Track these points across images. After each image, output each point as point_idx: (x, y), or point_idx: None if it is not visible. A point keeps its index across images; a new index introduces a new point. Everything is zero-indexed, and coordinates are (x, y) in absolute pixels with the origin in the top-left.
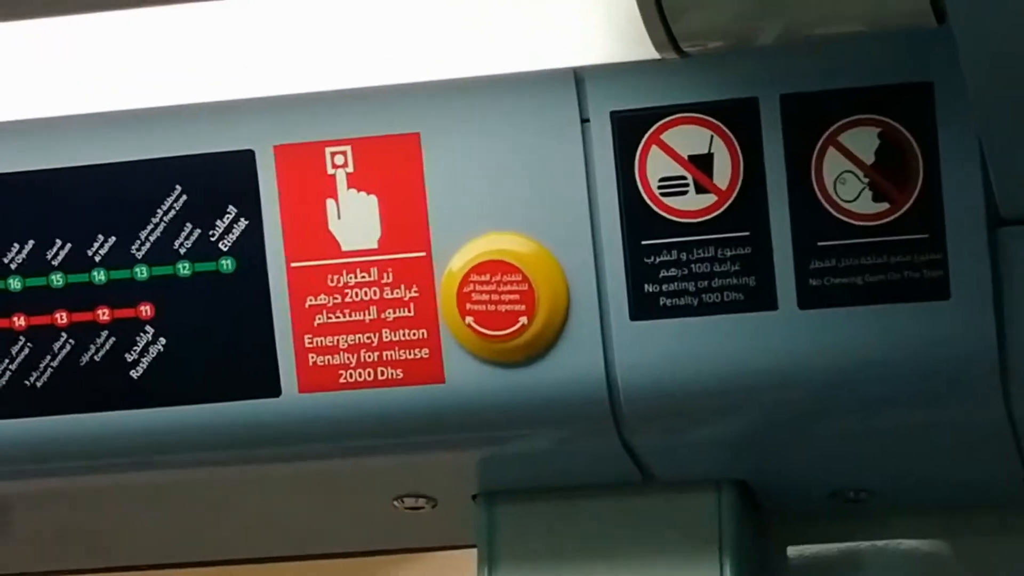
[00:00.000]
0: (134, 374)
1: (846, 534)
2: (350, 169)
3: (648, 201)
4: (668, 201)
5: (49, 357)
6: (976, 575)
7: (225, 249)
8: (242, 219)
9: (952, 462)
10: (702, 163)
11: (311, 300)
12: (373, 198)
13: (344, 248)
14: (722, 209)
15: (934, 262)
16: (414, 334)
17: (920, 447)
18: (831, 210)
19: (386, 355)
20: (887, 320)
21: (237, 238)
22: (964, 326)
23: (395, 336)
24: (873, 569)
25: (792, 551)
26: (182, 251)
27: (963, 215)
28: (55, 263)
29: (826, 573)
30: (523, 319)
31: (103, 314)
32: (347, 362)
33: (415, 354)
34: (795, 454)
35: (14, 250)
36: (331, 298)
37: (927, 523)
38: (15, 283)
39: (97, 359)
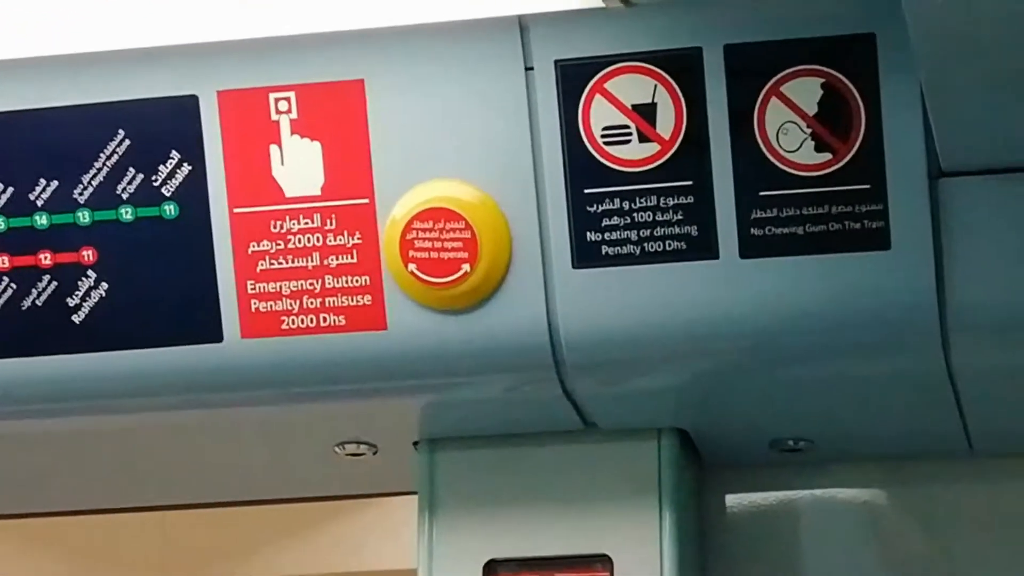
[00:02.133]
0: (76, 319)
1: (786, 483)
2: (294, 115)
3: (591, 150)
4: (611, 150)
5: None
6: (915, 524)
7: (168, 194)
8: (185, 164)
9: (891, 412)
10: (646, 112)
11: (254, 246)
12: (317, 144)
13: (287, 194)
14: (665, 158)
15: (875, 212)
16: (357, 281)
17: (860, 397)
18: (773, 160)
19: (329, 301)
20: (828, 270)
21: (180, 183)
22: (904, 276)
23: (338, 283)
24: (812, 518)
25: (731, 499)
26: (125, 196)
27: (904, 166)
28: None
29: (765, 521)
30: (466, 266)
31: (45, 258)
32: (290, 308)
33: (358, 301)
34: (735, 403)
35: None
36: (274, 244)
37: (866, 472)
38: None
39: (39, 303)
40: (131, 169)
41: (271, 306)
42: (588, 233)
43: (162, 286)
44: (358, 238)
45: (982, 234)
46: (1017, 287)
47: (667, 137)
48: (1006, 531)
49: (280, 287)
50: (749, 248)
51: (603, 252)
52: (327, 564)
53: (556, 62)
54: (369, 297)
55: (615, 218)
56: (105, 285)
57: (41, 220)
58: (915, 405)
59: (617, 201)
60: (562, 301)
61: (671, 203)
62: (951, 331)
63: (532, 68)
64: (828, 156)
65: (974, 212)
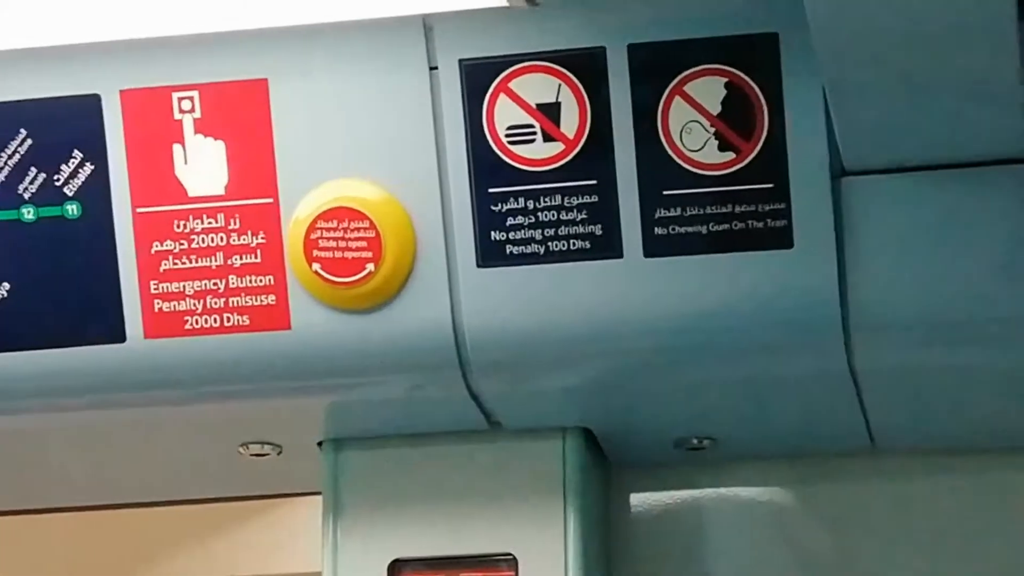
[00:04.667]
0: None
1: (690, 481)
2: (197, 114)
3: (496, 149)
4: (516, 149)
5: None
6: (819, 519)
7: (70, 194)
8: (88, 164)
9: (794, 409)
10: (550, 111)
11: (157, 246)
12: (220, 143)
13: (191, 194)
14: (569, 158)
15: (778, 211)
16: (261, 280)
17: (763, 396)
18: (677, 159)
19: (232, 301)
20: (731, 269)
21: (83, 183)
22: (807, 275)
23: (242, 282)
24: (717, 515)
25: (636, 498)
26: (27, 195)
27: (807, 165)
28: None
29: (670, 520)
30: (370, 266)
31: None
32: (193, 308)
33: (262, 300)
34: (639, 402)
35: None
36: (177, 244)
37: (771, 470)
38: None
39: None
40: (33, 169)
41: (174, 306)
42: (493, 232)
43: (64, 286)
44: (262, 238)
45: (884, 233)
46: (918, 285)
47: (571, 136)
48: (909, 526)
49: (183, 287)
50: (653, 247)
51: (508, 251)
52: (233, 568)
53: (460, 61)
54: (273, 297)
55: (519, 217)
56: (7, 285)
57: None
58: (818, 403)
59: (522, 200)
60: (467, 300)
61: (575, 202)
62: (853, 329)
63: (436, 68)
64: (731, 155)
65: (876, 211)
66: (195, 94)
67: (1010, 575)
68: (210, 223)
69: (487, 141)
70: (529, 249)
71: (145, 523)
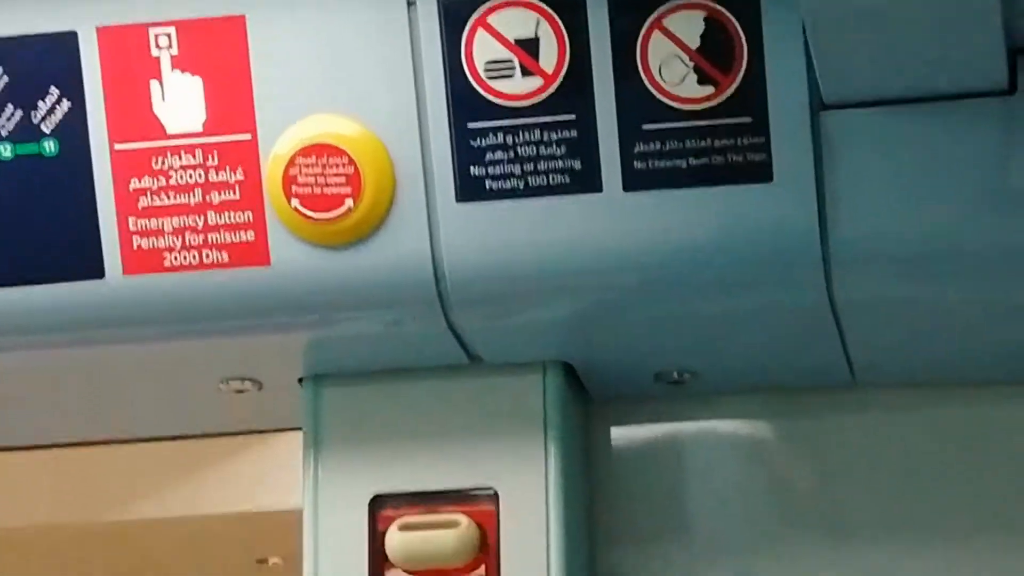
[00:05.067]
0: None
1: (670, 415)
2: (174, 51)
3: (474, 84)
4: (494, 84)
5: None
6: (799, 454)
7: (48, 131)
8: (65, 101)
9: (775, 345)
10: (528, 46)
11: (135, 182)
12: (198, 80)
13: (169, 131)
14: (548, 92)
15: (757, 145)
16: (239, 217)
17: (743, 329)
18: (656, 94)
19: (211, 238)
20: (711, 203)
21: (60, 120)
22: (786, 209)
23: (220, 219)
24: (697, 449)
25: (617, 432)
26: (3, 133)
27: (786, 99)
28: None
29: (650, 454)
30: (349, 202)
31: None
32: (172, 245)
33: (240, 237)
34: (619, 336)
35: None
36: (155, 180)
37: (750, 403)
38: None
39: None
40: (9, 106)
41: (153, 243)
42: (472, 167)
43: (43, 223)
44: (240, 174)
45: (864, 166)
46: (898, 219)
47: (550, 71)
48: (888, 461)
49: (162, 224)
50: (632, 181)
51: (487, 186)
52: (216, 505)
53: None
54: (252, 233)
55: (498, 152)
56: None
57: None
58: (798, 337)
59: (500, 135)
60: (446, 236)
61: (554, 137)
62: (833, 263)
63: (413, 3)
64: (711, 89)
65: (856, 144)
66: (172, 30)
67: (990, 508)
68: (188, 160)
69: (466, 76)
70: (508, 184)
71: (126, 461)
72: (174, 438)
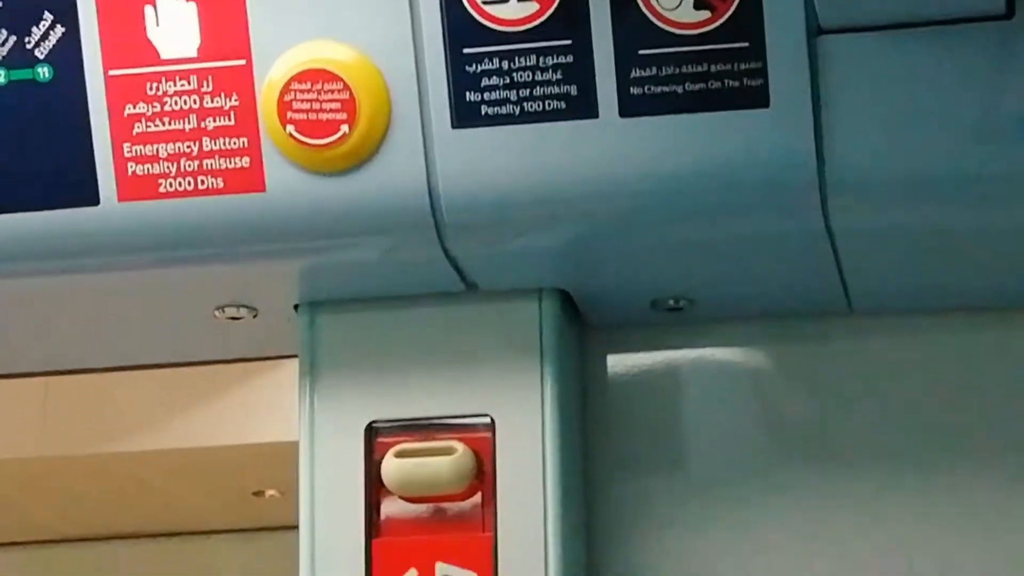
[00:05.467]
0: None
1: (667, 343)
2: None
3: (470, 9)
4: (490, 9)
5: None
6: (795, 382)
7: (41, 57)
8: (59, 26)
9: (772, 271)
10: None
11: (130, 108)
12: (192, 5)
13: (163, 56)
14: (544, 17)
15: (754, 71)
16: (234, 143)
17: (739, 256)
18: (652, 18)
19: (206, 164)
20: (707, 128)
21: (54, 46)
22: (783, 135)
23: (215, 145)
24: (693, 377)
25: (613, 360)
26: None
27: (783, 24)
28: None
29: (647, 381)
30: (344, 128)
31: None
32: (167, 171)
33: (235, 163)
34: (615, 262)
35: None
36: (150, 106)
37: (748, 332)
38: None
39: None
40: (3, 31)
41: (148, 169)
42: (467, 93)
43: (37, 149)
44: (235, 100)
45: (861, 92)
46: (895, 146)
47: None
48: (884, 389)
49: (157, 150)
50: (628, 107)
51: (482, 112)
52: (212, 437)
53: None
54: (247, 159)
55: (494, 78)
56: None
57: None
58: (795, 264)
59: (496, 61)
60: (442, 162)
61: (550, 62)
62: (830, 189)
63: None
64: (707, 14)
65: (853, 69)
66: None
67: (987, 434)
68: (183, 85)
69: (461, 2)
70: (504, 110)
71: (121, 393)
72: (170, 366)
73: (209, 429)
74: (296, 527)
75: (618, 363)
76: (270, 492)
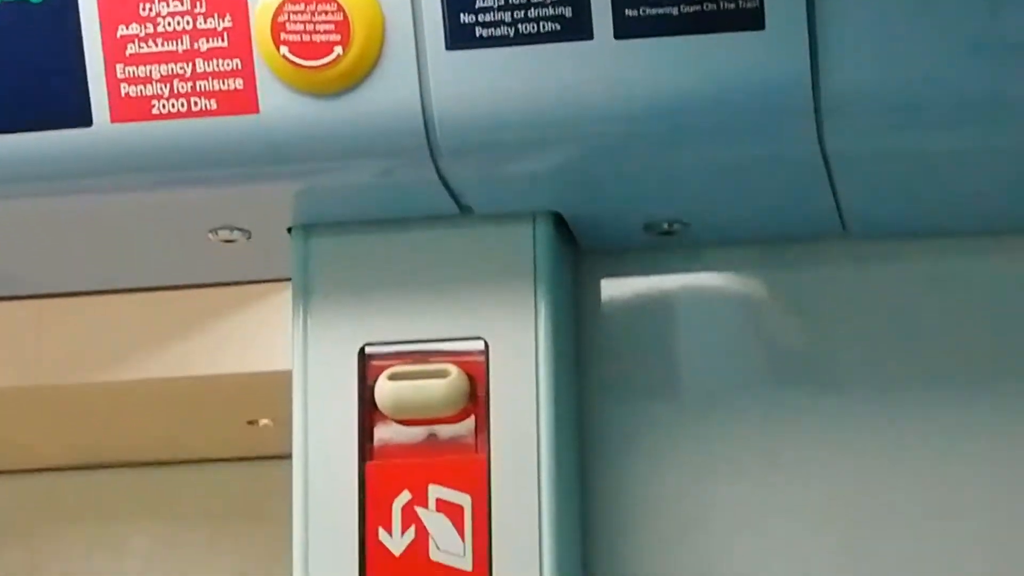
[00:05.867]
0: None
1: (660, 267)
2: None
3: None
4: None
5: None
6: (789, 306)
7: None
8: None
9: (766, 195)
10: None
11: (123, 29)
12: None
13: None
14: None
15: None
16: (228, 64)
17: (734, 180)
18: None
19: (200, 85)
20: (702, 51)
21: None
22: (778, 57)
23: (209, 66)
24: (687, 302)
25: (606, 284)
26: None
27: None
28: None
29: (640, 306)
30: (338, 49)
31: None
32: (160, 92)
33: (229, 85)
34: (609, 185)
35: None
36: (143, 27)
37: (742, 256)
38: None
39: None
40: None
41: (141, 90)
42: (462, 15)
43: (30, 71)
44: (229, 21)
45: (856, 14)
46: (890, 68)
47: None
48: (879, 313)
49: (150, 71)
50: (623, 29)
51: (477, 34)
52: (206, 366)
53: None
54: (240, 81)
55: None
56: None
57: None
58: (790, 187)
59: None
60: (436, 84)
61: None
62: (825, 113)
63: None
64: None
65: None
66: None
67: (982, 359)
68: (176, 6)
69: None
70: (499, 31)
71: (115, 322)
72: (164, 289)
73: (203, 358)
74: (290, 456)
75: (612, 288)
76: (264, 421)
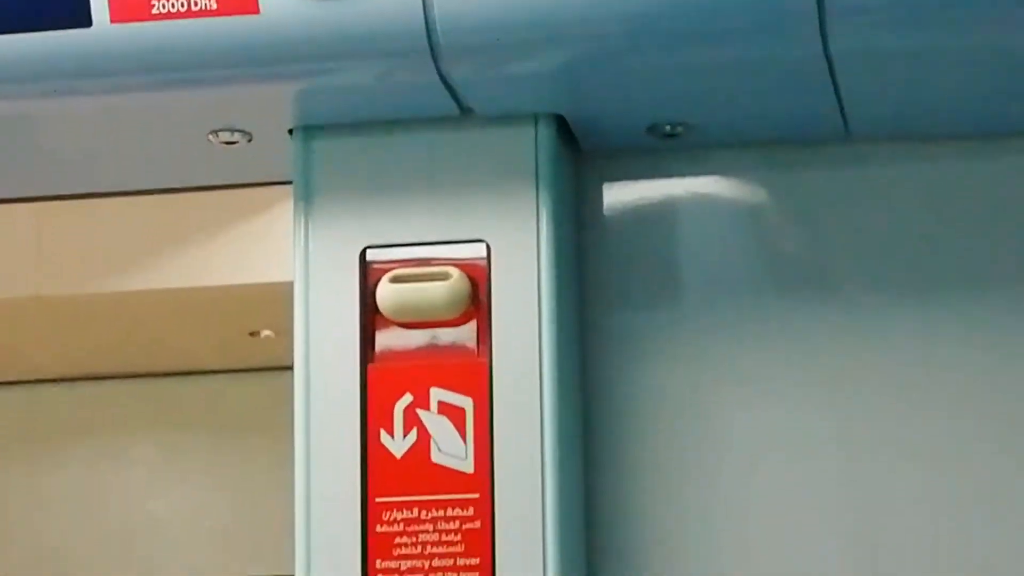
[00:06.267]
0: None
1: (663, 170)
2: None
3: None
4: None
5: None
6: (793, 211)
7: None
8: None
9: (769, 97)
10: None
11: None
12: None
13: None
14: None
15: None
16: None
17: (737, 81)
18: None
19: None
20: None
21: None
22: None
23: None
24: (689, 207)
25: (608, 187)
26: None
27: None
28: None
29: (643, 211)
30: None
31: None
32: None
33: None
34: (611, 86)
35: None
36: None
37: (744, 159)
38: None
39: None
40: None
41: None
42: None
43: None
44: None
45: None
46: None
47: None
48: (882, 216)
49: None
50: None
51: None
52: (208, 277)
53: None
54: None
55: None
56: None
57: None
58: (792, 89)
59: None
60: None
61: None
62: (828, 12)
63: None
64: None
65: None
66: None
67: (986, 261)
68: None
69: None
70: None
71: (116, 232)
72: (164, 191)
73: (205, 269)
74: (291, 368)
75: (614, 191)
76: (265, 332)
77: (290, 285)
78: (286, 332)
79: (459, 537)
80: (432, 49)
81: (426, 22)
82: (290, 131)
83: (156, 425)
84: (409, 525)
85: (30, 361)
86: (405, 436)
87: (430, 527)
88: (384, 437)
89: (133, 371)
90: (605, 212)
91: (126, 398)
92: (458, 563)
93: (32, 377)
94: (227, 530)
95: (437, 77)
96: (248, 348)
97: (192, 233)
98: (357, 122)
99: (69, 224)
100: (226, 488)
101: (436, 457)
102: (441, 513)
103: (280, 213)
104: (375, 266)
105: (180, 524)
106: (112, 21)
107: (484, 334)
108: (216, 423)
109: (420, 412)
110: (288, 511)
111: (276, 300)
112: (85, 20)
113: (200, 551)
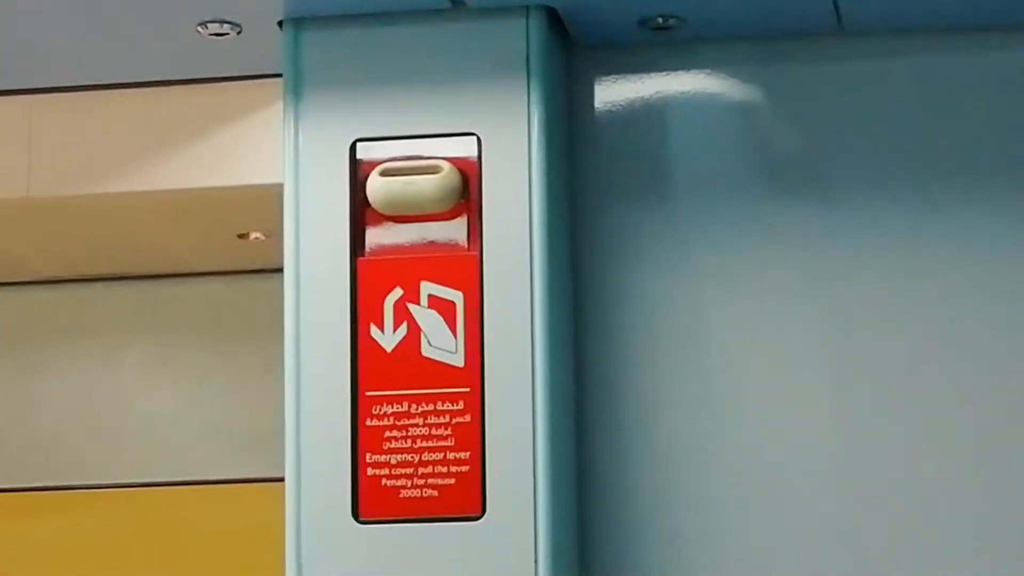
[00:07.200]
0: None
1: (655, 64)
2: None
3: None
4: None
5: None
6: (785, 106)
7: None
8: None
9: None
10: None
11: None
12: None
13: None
14: None
15: None
16: None
17: None
18: None
19: None
20: None
21: None
22: None
23: None
24: (682, 101)
25: (600, 82)
26: None
27: None
28: None
29: (634, 106)
30: None
31: None
32: None
33: None
34: None
35: None
36: None
37: (736, 52)
38: None
39: None
40: None
41: None
42: None
43: None
44: None
45: None
46: None
47: None
48: (875, 112)
49: None
50: None
51: None
52: (196, 179)
53: None
54: None
55: None
56: None
57: None
58: None
59: None
60: None
61: None
62: None
63: None
64: None
65: None
66: None
67: (981, 158)
68: None
69: None
70: None
71: (104, 134)
72: (154, 84)
73: (194, 171)
74: (281, 270)
75: (606, 87)
76: (255, 234)
77: (281, 187)
78: (276, 234)
79: (449, 431)
80: None
81: None
82: (280, 23)
83: (146, 327)
84: (399, 419)
85: (19, 262)
86: (395, 330)
87: (420, 421)
88: (374, 331)
89: (122, 273)
90: (596, 107)
91: (116, 300)
92: (448, 456)
93: (21, 279)
94: (218, 429)
95: None
96: (237, 250)
97: (181, 135)
98: (347, 14)
99: (59, 126)
100: (216, 389)
101: (426, 351)
102: (431, 407)
103: (270, 115)
104: (365, 160)
105: (171, 424)
106: None
107: (475, 228)
108: (206, 325)
109: (410, 306)
110: (279, 411)
111: (266, 202)
112: None
113: (191, 450)
